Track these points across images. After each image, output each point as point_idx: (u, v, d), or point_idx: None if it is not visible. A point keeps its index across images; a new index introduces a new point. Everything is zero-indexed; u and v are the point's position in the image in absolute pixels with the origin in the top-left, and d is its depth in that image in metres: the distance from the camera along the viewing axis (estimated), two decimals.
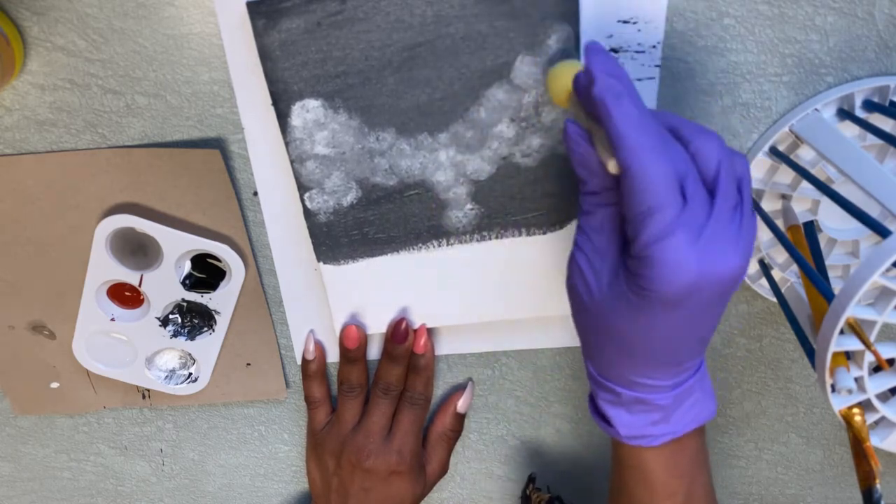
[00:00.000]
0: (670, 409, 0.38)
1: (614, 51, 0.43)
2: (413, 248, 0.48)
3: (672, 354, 0.36)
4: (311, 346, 0.54)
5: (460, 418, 0.57)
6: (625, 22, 0.42)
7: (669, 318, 0.33)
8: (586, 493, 0.65)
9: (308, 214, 0.47)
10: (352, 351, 0.53)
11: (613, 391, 0.39)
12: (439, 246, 0.48)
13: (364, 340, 0.53)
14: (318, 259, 0.49)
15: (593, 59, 0.33)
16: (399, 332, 0.52)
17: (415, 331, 0.53)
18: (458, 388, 0.57)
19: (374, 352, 0.55)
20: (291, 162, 0.45)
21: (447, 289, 0.50)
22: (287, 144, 0.45)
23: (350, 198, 0.46)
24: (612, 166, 0.32)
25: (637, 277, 0.33)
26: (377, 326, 0.52)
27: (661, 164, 0.31)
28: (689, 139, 0.33)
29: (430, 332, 0.54)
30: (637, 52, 0.43)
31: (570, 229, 0.48)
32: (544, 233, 0.48)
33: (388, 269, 0.49)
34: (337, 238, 0.48)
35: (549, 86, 0.38)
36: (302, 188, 0.46)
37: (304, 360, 0.55)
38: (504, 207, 0.47)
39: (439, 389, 0.58)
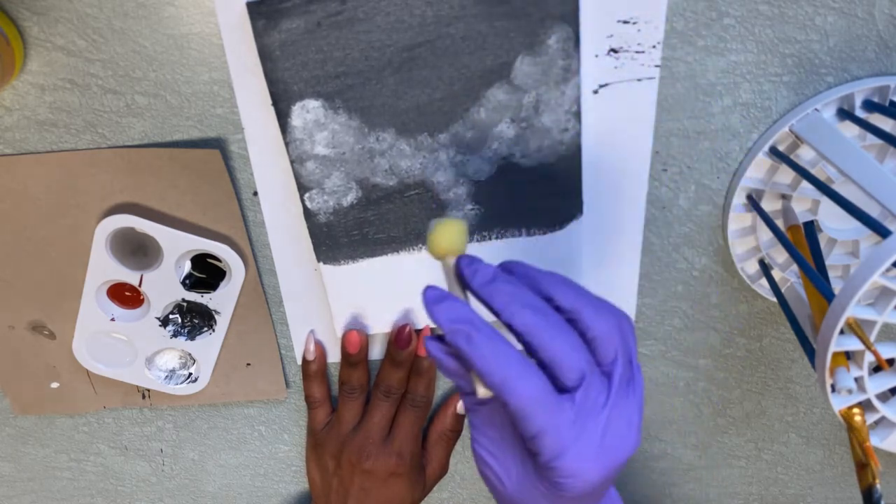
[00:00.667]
0: None
1: (614, 51, 0.43)
2: (413, 249, 0.48)
3: None
4: (312, 347, 0.54)
5: (460, 418, 0.57)
6: (625, 22, 0.42)
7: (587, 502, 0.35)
8: None
9: (308, 215, 0.47)
10: (353, 355, 0.53)
11: None
12: None
13: (365, 344, 0.53)
14: (319, 259, 0.49)
15: (434, 311, 0.33)
16: (402, 337, 0.52)
17: (417, 333, 0.53)
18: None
19: (375, 352, 0.55)
20: (291, 162, 0.45)
21: (447, 289, 0.50)
22: (287, 145, 0.45)
23: (350, 198, 0.46)
24: (482, 393, 0.34)
25: (551, 483, 0.34)
26: (377, 327, 0.52)
27: (530, 390, 0.32)
28: (586, 327, 0.33)
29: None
30: (637, 52, 0.43)
31: (570, 229, 0.48)
32: (544, 233, 0.48)
33: (388, 270, 0.49)
34: (337, 238, 0.48)
35: (430, 244, 0.36)
36: (302, 188, 0.46)
37: (304, 360, 0.55)
38: (504, 208, 0.47)
39: (439, 389, 0.58)
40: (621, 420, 0.33)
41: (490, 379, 0.32)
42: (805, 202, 0.47)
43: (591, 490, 0.33)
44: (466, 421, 0.59)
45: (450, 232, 0.35)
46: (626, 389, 0.34)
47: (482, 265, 0.34)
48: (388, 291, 0.50)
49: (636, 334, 0.55)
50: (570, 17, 0.41)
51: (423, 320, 0.52)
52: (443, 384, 0.58)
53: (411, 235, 0.48)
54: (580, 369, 0.32)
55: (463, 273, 0.34)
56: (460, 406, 0.56)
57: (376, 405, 0.54)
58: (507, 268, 0.36)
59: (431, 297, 0.34)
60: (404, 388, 0.54)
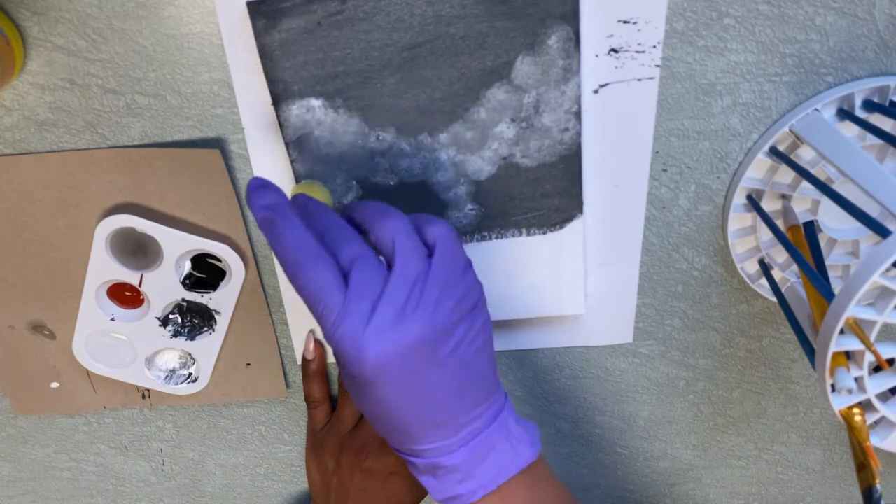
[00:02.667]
0: (469, 465, 0.39)
1: (614, 50, 0.43)
2: None
3: (424, 419, 0.37)
4: (312, 346, 0.54)
5: None
6: (625, 22, 0.42)
7: (382, 391, 0.36)
8: (587, 493, 0.65)
9: None
10: None
11: (411, 462, 0.40)
12: None
13: None
14: None
15: (251, 196, 0.37)
16: None
17: None
18: None
19: None
20: (292, 162, 0.45)
21: None
22: (287, 144, 0.45)
23: (350, 197, 0.46)
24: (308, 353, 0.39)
25: (342, 367, 0.36)
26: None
27: (312, 273, 0.34)
28: (368, 228, 0.37)
29: None
30: (637, 51, 0.43)
31: (570, 229, 0.48)
32: (544, 233, 0.48)
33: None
34: None
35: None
36: None
37: (304, 359, 0.55)
38: (504, 207, 0.47)
39: None
40: (401, 307, 0.34)
41: (284, 262, 0.35)
42: (805, 202, 0.47)
43: (370, 371, 0.35)
44: None
45: (307, 190, 0.41)
46: (414, 282, 0.35)
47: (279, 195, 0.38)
48: None
49: (635, 332, 0.55)
50: (571, 17, 0.41)
51: None
52: None
53: None
54: (350, 259, 0.35)
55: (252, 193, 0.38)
56: None
57: None
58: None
59: (253, 184, 0.38)
60: None
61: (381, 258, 0.36)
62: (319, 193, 0.41)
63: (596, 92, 0.44)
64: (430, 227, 0.37)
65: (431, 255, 0.36)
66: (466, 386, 0.37)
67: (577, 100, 0.43)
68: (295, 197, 0.40)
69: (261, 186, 0.37)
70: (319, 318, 0.35)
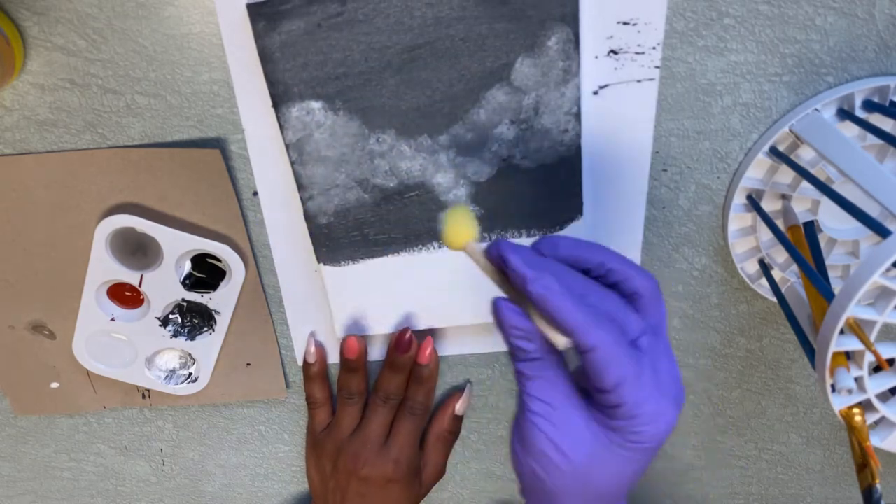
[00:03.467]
0: None
1: (614, 52, 0.43)
2: (413, 250, 0.48)
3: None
4: (312, 349, 0.54)
5: (458, 420, 0.57)
6: (625, 23, 0.42)
7: (648, 461, 0.36)
8: None
9: (308, 216, 0.47)
10: (351, 361, 0.53)
11: None
12: (440, 247, 0.48)
13: (364, 351, 0.53)
14: (319, 260, 0.49)
15: (512, 258, 0.34)
16: (402, 343, 0.52)
17: (418, 337, 0.53)
18: (456, 390, 0.57)
19: (375, 353, 0.55)
20: (292, 163, 0.45)
21: (447, 290, 0.50)
22: (287, 146, 0.45)
23: (350, 199, 0.46)
24: (562, 343, 0.34)
25: (629, 434, 0.34)
26: (377, 328, 0.52)
27: (611, 335, 0.33)
28: (617, 276, 0.36)
29: (435, 341, 0.54)
30: (637, 52, 0.43)
31: (571, 230, 0.48)
32: (544, 234, 0.48)
33: (388, 271, 0.49)
34: (337, 239, 0.48)
35: (446, 231, 0.36)
36: (302, 189, 0.46)
37: (305, 362, 0.55)
38: (504, 209, 0.47)
39: (438, 391, 0.58)
40: (673, 369, 0.35)
41: (570, 324, 0.33)
42: (805, 202, 0.47)
43: (665, 437, 0.35)
44: (463, 422, 0.59)
45: (460, 219, 0.35)
46: (667, 344, 0.36)
47: (523, 249, 0.35)
48: (388, 293, 0.50)
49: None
50: (570, 19, 0.41)
51: (420, 321, 0.52)
52: (442, 384, 0.58)
53: (411, 237, 0.48)
54: (639, 325, 0.34)
55: (507, 258, 0.34)
56: (458, 408, 0.56)
57: (374, 410, 0.53)
58: (548, 245, 0.37)
59: (505, 246, 0.34)
60: (403, 393, 0.54)
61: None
62: (471, 220, 0.36)
63: (596, 93, 0.44)
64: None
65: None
66: None
67: (577, 101, 0.43)
68: (496, 252, 0.35)
69: (519, 249, 0.34)
70: (615, 386, 0.33)
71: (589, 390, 0.36)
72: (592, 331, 0.32)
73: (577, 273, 0.35)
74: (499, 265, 0.35)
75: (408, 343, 0.52)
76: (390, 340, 0.53)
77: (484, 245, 0.35)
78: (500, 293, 0.36)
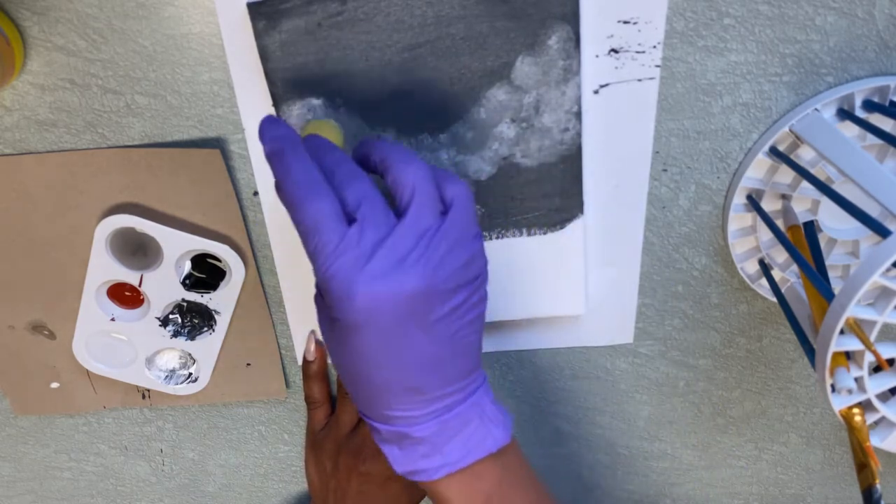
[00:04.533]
0: (437, 440, 0.37)
1: (614, 51, 0.43)
2: None
3: (397, 380, 0.35)
4: (312, 347, 0.54)
5: None
6: (625, 22, 0.42)
7: (364, 340, 0.34)
8: (587, 493, 0.65)
9: None
10: None
11: (376, 428, 0.38)
12: None
13: None
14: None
15: (263, 128, 0.36)
16: None
17: None
18: None
19: None
20: None
21: None
22: None
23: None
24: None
25: (326, 307, 0.35)
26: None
27: (313, 206, 0.33)
28: (387, 169, 0.35)
29: None
30: (637, 52, 0.43)
31: (571, 229, 0.48)
32: (545, 233, 0.48)
33: None
34: None
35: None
36: None
37: (304, 360, 0.55)
38: (504, 208, 0.47)
39: None
40: (402, 256, 0.33)
41: (287, 194, 0.34)
42: (805, 202, 0.47)
43: (357, 313, 0.33)
44: None
45: (319, 129, 0.40)
46: (421, 235, 0.33)
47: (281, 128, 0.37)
48: None
49: (635, 332, 0.55)
50: (571, 18, 0.41)
51: None
52: None
53: None
54: (357, 200, 0.33)
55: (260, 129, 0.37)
56: None
57: None
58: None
59: (265, 119, 0.37)
60: None
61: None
62: (331, 132, 0.41)
63: (596, 92, 0.44)
64: (449, 184, 0.35)
65: (446, 213, 0.35)
66: (450, 356, 0.36)
67: (578, 100, 0.43)
68: (307, 137, 0.38)
69: (271, 121, 0.37)
70: (313, 254, 0.33)
71: None
72: (298, 201, 0.33)
73: (342, 153, 0.36)
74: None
75: None
76: None
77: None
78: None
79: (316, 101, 0.43)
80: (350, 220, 0.33)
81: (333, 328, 0.35)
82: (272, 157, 0.35)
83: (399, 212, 0.34)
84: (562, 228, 0.48)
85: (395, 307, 0.33)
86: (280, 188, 0.35)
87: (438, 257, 0.33)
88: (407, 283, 0.33)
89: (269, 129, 0.36)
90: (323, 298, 0.35)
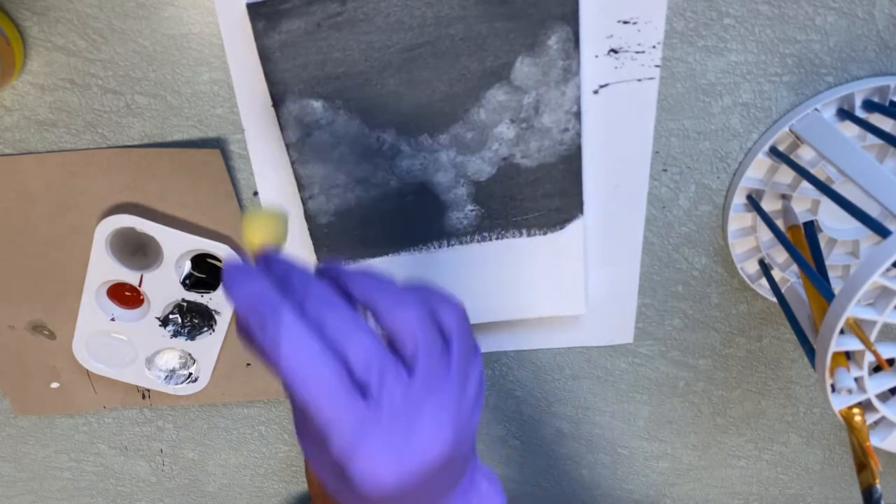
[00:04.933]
0: None
1: (614, 51, 0.43)
2: (413, 250, 0.48)
3: None
4: None
5: None
6: (625, 22, 0.42)
7: None
8: (587, 493, 0.65)
9: (308, 215, 0.47)
10: None
11: None
12: (440, 247, 0.48)
13: None
14: (319, 260, 0.49)
15: (230, 283, 0.30)
16: None
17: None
18: None
19: None
20: (292, 163, 0.45)
21: (448, 289, 0.50)
22: (287, 146, 0.45)
23: (350, 199, 0.46)
24: None
25: (350, 484, 0.30)
26: (377, 328, 0.52)
27: (317, 384, 0.28)
28: (380, 315, 0.31)
29: None
30: (637, 52, 0.43)
31: (571, 229, 0.48)
32: (545, 233, 0.48)
33: (388, 270, 0.49)
34: (337, 239, 0.48)
35: (244, 231, 0.33)
36: (302, 189, 0.46)
37: None
38: (504, 208, 0.47)
39: None
40: (425, 417, 0.30)
41: (277, 366, 0.29)
42: (805, 202, 0.47)
43: (392, 493, 0.30)
44: None
45: (267, 223, 0.33)
46: (436, 383, 0.30)
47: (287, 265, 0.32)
48: None
49: (635, 332, 0.55)
50: (570, 18, 0.41)
51: None
52: None
53: (411, 236, 0.48)
54: (367, 364, 0.29)
55: (226, 287, 0.31)
56: None
57: None
58: (320, 269, 0.33)
59: (228, 267, 0.31)
60: None
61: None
62: (277, 226, 0.33)
63: (596, 92, 0.44)
64: (444, 313, 0.32)
65: (448, 345, 0.32)
66: (461, 472, 0.34)
67: (577, 100, 0.43)
68: (264, 259, 0.32)
69: (240, 273, 0.31)
70: (323, 430, 0.29)
71: None
72: (296, 375, 0.28)
73: (325, 288, 0.31)
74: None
75: None
76: None
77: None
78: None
79: (315, 103, 0.43)
80: (359, 383, 0.29)
81: (351, 495, 0.31)
82: (251, 325, 0.29)
83: (406, 362, 0.31)
84: (562, 229, 0.48)
85: (423, 474, 0.30)
86: (265, 357, 0.29)
87: (460, 397, 0.31)
88: (438, 445, 0.30)
89: (240, 285, 0.30)
90: (325, 457, 0.31)
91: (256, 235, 0.33)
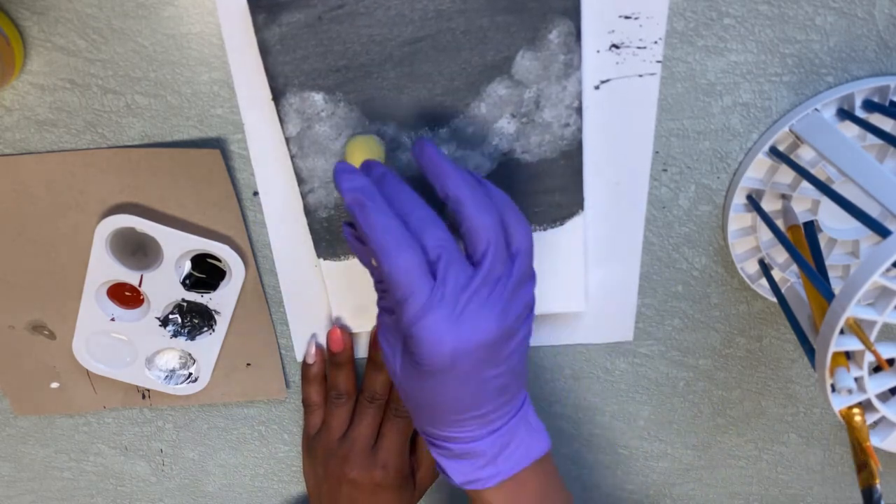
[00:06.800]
0: (493, 453, 0.41)
1: (615, 46, 0.43)
2: None
3: (468, 410, 0.39)
4: (313, 350, 0.54)
5: None
6: (626, 17, 0.42)
7: (445, 382, 0.38)
8: (587, 493, 0.65)
9: (308, 210, 0.47)
10: (337, 354, 0.53)
11: (442, 446, 0.42)
12: None
13: (349, 343, 0.53)
14: (319, 255, 0.49)
15: (340, 179, 0.37)
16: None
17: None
18: None
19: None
20: (292, 157, 0.45)
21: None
22: (287, 139, 0.45)
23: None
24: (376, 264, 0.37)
25: (410, 354, 0.38)
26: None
27: (402, 259, 0.35)
28: (463, 219, 0.37)
29: None
30: (638, 47, 0.43)
31: (571, 226, 0.48)
32: (545, 229, 0.48)
33: None
34: (337, 234, 0.48)
35: (346, 156, 0.41)
36: (302, 183, 0.46)
37: (304, 363, 0.55)
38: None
39: None
40: (481, 305, 0.36)
41: (373, 244, 0.36)
42: (805, 202, 0.47)
43: (442, 362, 0.36)
44: None
45: (364, 147, 0.41)
46: (494, 284, 0.37)
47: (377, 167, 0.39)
48: None
49: (635, 332, 0.55)
50: (572, 12, 0.41)
51: None
52: None
53: None
54: (438, 253, 0.36)
55: (336, 174, 0.38)
56: None
57: (362, 412, 0.53)
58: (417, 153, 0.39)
59: (339, 167, 0.38)
60: (388, 392, 0.54)
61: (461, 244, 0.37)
62: (375, 150, 0.41)
63: (597, 88, 0.44)
64: (516, 232, 0.38)
65: (513, 259, 0.38)
66: (511, 382, 0.40)
67: (578, 95, 0.43)
68: (366, 165, 0.40)
69: (346, 170, 0.38)
70: (401, 303, 0.36)
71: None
72: (386, 252, 0.35)
73: (411, 191, 0.38)
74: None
75: None
76: (370, 338, 0.53)
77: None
78: None
79: (316, 95, 0.43)
80: (431, 267, 0.36)
81: (414, 372, 0.38)
82: (353, 208, 0.37)
83: (474, 259, 0.37)
84: (562, 225, 0.48)
85: (476, 353, 0.37)
86: (363, 239, 0.37)
87: (507, 303, 0.37)
88: (487, 331, 0.36)
89: (346, 180, 0.37)
90: (397, 330, 0.39)
91: (357, 154, 0.41)
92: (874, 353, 0.37)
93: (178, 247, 0.48)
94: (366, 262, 0.42)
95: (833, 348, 0.36)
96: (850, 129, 0.44)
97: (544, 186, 0.46)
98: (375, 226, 0.36)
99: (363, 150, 0.41)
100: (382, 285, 0.41)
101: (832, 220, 0.47)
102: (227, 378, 0.56)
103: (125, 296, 0.52)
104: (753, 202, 0.47)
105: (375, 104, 0.43)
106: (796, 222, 0.46)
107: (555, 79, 0.43)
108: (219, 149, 0.46)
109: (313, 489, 0.56)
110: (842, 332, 0.37)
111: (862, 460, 0.40)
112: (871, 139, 0.43)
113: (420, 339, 0.36)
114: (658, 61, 0.43)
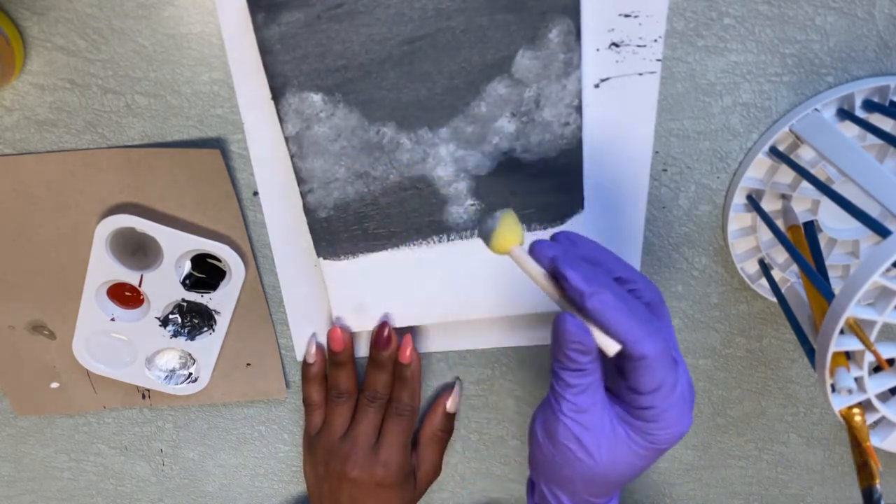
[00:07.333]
0: None
1: (615, 45, 0.43)
2: (413, 244, 0.48)
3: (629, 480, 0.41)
4: (313, 350, 0.54)
5: (450, 418, 0.57)
6: (626, 16, 0.42)
7: (659, 456, 0.40)
8: None
9: (308, 210, 0.47)
10: (338, 354, 0.52)
11: None
12: (439, 241, 0.48)
13: (350, 343, 0.53)
14: (318, 255, 0.49)
15: (570, 274, 0.35)
16: (381, 338, 0.52)
17: (400, 340, 0.52)
18: (447, 388, 0.57)
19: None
20: (291, 157, 0.45)
21: (447, 285, 0.50)
22: (287, 139, 0.45)
23: (350, 192, 0.46)
24: (614, 351, 0.36)
25: (649, 435, 0.38)
26: (376, 323, 0.52)
27: (659, 347, 0.36)
28: (641, 296, 0.38)
29: (415, 339, 0.54)
30: (638, 46, 0.43)
31: (571, 224, 0.48)
32: (545, 228, 0.48)
33: (388, 265, 0.49)
34: (337, 233, 0.48)
35: (495, 235, 0.37)
36: (302, 183, 0.46)
37: (304, 362, 0.55)
38: (505, 203, 0.47)
39: (432, 389, 0.58)
40: (687, 375, 0.39)
41: (625, 336, 0.35)
42: (805, 202, 0.47)
43: (682, 437, 0.40)
44: (460, 421, 0.59)
45: (509, 224, 0.37)
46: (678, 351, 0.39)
47: (577, 262, 0.37)
48: (387, 287, 0.50)
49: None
50: (572, 11, 0.41)
51: (419, 316, 0.52)
52: (427, 391, 0.58)
53: (411, 230, 0.48)
54: (672, 335, 0.38)
55: (565, 273, 0.36)
56: (449, 405, 0.56)
57: (363, 411, 0.53)
58: (567, 238, 0.39)
59: (563, 260, 0.36)
60: (389, 392, 0.54)
61: None
62: (519, 230, 0.38)
63: (597, 86, 0.44)
64: (675, 351, 0.39)
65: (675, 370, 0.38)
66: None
67: (578, 94, 0.43)
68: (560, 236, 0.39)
69: (580, 270, 0.36)
70: (654, 390, 0.37)
71: (617, 389, 0.39)
72: (646, 342, 0.35)
73: (612, 280, 0.37)
74: (551, 272, 0.36)
75: (387, 339, 0.52)
76: (371, 337, 0.53)
77: (526, 248, 0.37)
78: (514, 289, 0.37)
79: (315, 95, 0.43)
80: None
81: (638, 451, 0.39)
82: (593, 301, 0.35)
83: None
84: (562, 223, 0.48)
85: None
86: (610, 328, 0.36)
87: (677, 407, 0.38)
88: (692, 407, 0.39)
89: (581, 274, 0.35)
90: (632, 425, 0.38)
91: (508, 239, 0.37)
92: (874, 353, 0.37)
93: (177, 247, 0.48)
94: (583, 351, 0.37)
95: (833, 348, 0.37)
96: (850, 129, 0.44)
97: (544, 185, 0.46)
98: (622, 324, 0.35)
99: (511, 231, 0.37)
100: (586, 373, 0.38)
101: (832, 220, 0.47)
102: (227, 378, 0.56)
103: (125, 296, 0.52)
104: (753, 202, 0.47)
105: (375, 104, 0.43)
106: (796, 222, 0.46)
107: (555, 77, 0.43)
108: (219, 149, 0.46)
109: (314, 488, 0.56)
110: (842, 332, 0.37)
111: (862, 460, 0.40)
112: (871, 139, 0.43)
113: (670, 423, 0.38)
114: (658, 60, 0.43)
